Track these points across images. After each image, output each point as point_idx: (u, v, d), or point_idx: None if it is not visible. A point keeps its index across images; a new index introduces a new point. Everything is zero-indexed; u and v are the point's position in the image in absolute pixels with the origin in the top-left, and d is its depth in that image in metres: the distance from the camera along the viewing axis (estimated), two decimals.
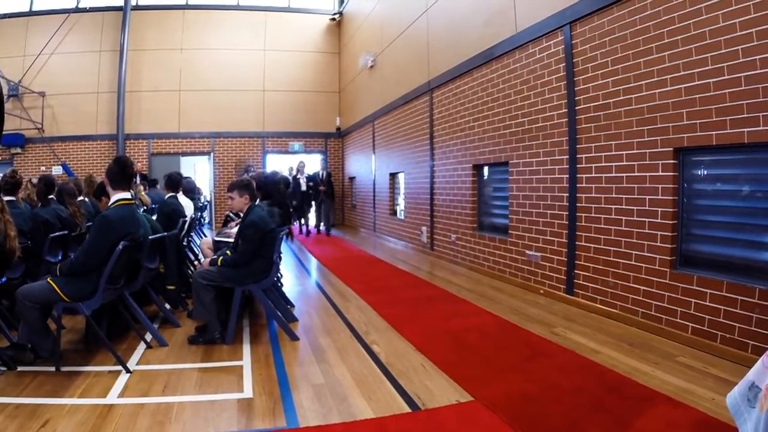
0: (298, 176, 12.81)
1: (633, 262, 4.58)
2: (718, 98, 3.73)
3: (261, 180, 5.31)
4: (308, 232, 13.07)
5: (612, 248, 4.82)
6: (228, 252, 4.44)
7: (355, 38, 14.61)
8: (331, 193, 13.10)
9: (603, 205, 4.94)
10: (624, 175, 4.67)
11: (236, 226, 5.28)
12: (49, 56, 14.00)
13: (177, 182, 6.32)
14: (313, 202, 13.05)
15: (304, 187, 12.78)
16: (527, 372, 3.53)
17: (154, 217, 5.65)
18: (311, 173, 13.20)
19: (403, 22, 10.38)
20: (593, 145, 5.04)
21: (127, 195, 3.86)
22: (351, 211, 15.76)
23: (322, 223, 13.37)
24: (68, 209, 5.14)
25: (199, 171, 17.23)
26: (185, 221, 5.92)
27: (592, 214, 5.08)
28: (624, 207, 4.68)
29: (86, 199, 6.23)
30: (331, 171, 15.06)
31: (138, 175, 12.49)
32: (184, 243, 6.22)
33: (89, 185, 6.57)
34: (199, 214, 11.43)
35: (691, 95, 3.96)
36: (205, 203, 14.71)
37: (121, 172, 3.84)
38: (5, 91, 13.71)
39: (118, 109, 14.56)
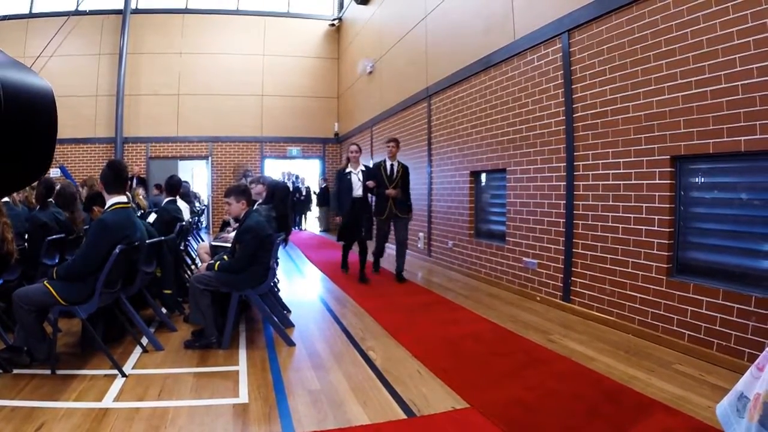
0: (348, 172, 7.23)
1: (630, 270, 4.59)
2: (715, 106, 3.75)
3: (271, 185, 5.38)
4: (363, 276, 7.17)
5: (609, 256, 4.83)
6: (225, 257, 4.44)
7: (354, 44, 14.66)
8: (408, 203, 7.26)
9: (600, 213, 4.95)
10: (621, 182, 4.69)
11: (233, 230, 5.28)
12: (48, 59, 13.95)
13: (175, 186, 6.32)
14: (375, 217, 7.30)
15: (358, 191, 7.19)
16: (523, 379, 3.53)
17: (151, 220, 5.64)
18: (369, 165, 7.67)
19: (402, 29, 10.42)
20: (590, 152, 5.06)
21: (122, 198, 3.85)
22: None
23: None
24: (66, 212, 5.13)
25: (197, 175, 17.24)
26: (182, 225, 5.91)
27: (589, 222, 5.09)
28: (621, 214, 4.69)
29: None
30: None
31: (136, 179, 12.49)
32: (182, 247, 6.20)
33: (89, 188, 6.54)
34: (197, 218, 11.40)
35: (688, 103, 3.98)
36: (203, 208, 14.72)
37: (115, 177, 3.83)
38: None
39: (116, 113, 14.57)
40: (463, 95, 7.76)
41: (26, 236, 4.63)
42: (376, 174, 7.09)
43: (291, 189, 11.59)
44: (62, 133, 14.46)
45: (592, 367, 3.72)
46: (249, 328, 4.81)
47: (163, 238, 4.84)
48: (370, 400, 3.21)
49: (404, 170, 7.22)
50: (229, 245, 4.78)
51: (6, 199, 4.73)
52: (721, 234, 3.95)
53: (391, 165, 7.16)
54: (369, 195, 7.30)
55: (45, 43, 13.84)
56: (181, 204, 6.49)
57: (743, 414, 1.41)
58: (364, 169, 7.28)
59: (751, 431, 1.35)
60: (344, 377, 3.62)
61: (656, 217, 4.33)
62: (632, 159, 4.56)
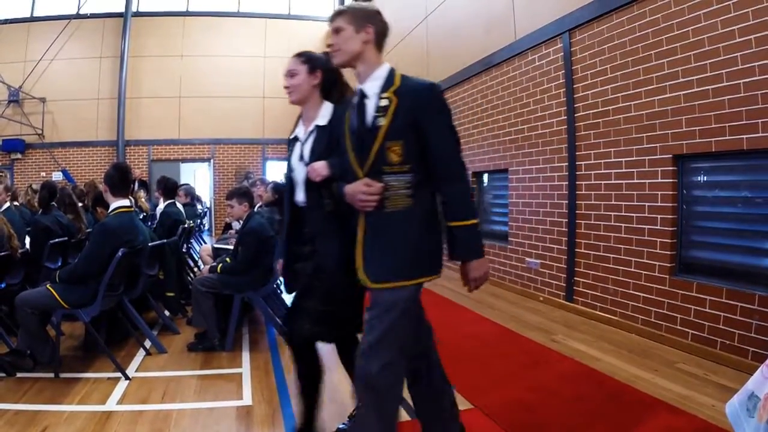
0: (293, 138, 2.77)
1: (632, 269, 4.58)
2: (717, 105, 3.74)
3: (278, 189, 5.45)
4: None
5: (611, 255, 4.82)
6: (227, 259, 4.44)
7: None
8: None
9: (602, 212, 4.94)
10: (623, 182, 4.68)
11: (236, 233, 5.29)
12: (49, 62, 14.02)
13: (172, 188, 6.29)
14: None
15: (300, 194, 2.50)
16: (526, 379, 3.52)
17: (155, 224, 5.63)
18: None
19: (403, 30, 10.41)
20: (592, 152, 5.05)
21: (126, 202, 3.85)
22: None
23: None
24: (69, 215, 5.12)
25: (199, 178, 17.24)
26: (185, 228, 5.90)
27: (592, 221, 5.08)
28: (623, 214, 4.68)
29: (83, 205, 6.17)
30: None
31: (137, 182, 12.49)
32: (184, 250, 6.20)
33: (92, 189, 6.50)
34: (199, 221, 11.38)
35: (690, 102, 3.97)
36: (205, 210, 14.72)
37: (121, 179, 3.83)
38: (5, 97, 13.74)
39: (118, 116, 14.57)
40: (465, 95, 7.75)
41: (28, 240, 4.63)
42: (339, 136, 2.34)
43: None
44: (64, 136, 14.52)
45: (595, 367, 3.71)
46: (252, 330, 4.81)
47: (165, 240, 4.84)
48: None
49: (406, 105, 2.15)
50: (231, 247, 4.78)
51: (7, 205, 4.74)
52: (724, 232, 3.94)
53: (361, 98, 2.23)
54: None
55: (46, 46, 13.89)
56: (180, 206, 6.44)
57: (753, 414, 1.40)
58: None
59: (760, 431, 1.34)
60: (347, 378, 3.60)
61: (659, 216, 4.32)
62: (634, 158, 4.55)
